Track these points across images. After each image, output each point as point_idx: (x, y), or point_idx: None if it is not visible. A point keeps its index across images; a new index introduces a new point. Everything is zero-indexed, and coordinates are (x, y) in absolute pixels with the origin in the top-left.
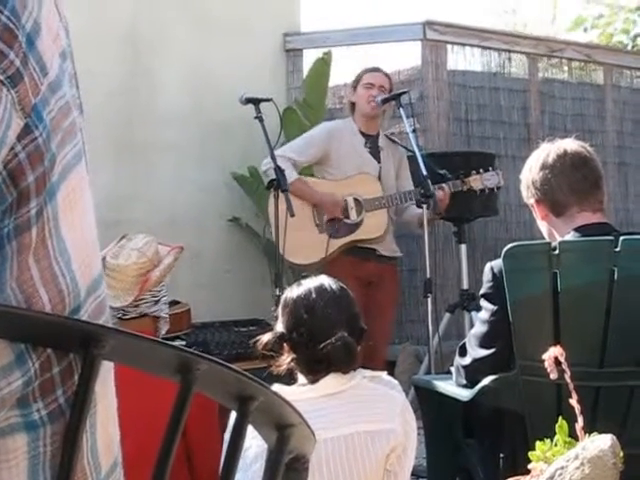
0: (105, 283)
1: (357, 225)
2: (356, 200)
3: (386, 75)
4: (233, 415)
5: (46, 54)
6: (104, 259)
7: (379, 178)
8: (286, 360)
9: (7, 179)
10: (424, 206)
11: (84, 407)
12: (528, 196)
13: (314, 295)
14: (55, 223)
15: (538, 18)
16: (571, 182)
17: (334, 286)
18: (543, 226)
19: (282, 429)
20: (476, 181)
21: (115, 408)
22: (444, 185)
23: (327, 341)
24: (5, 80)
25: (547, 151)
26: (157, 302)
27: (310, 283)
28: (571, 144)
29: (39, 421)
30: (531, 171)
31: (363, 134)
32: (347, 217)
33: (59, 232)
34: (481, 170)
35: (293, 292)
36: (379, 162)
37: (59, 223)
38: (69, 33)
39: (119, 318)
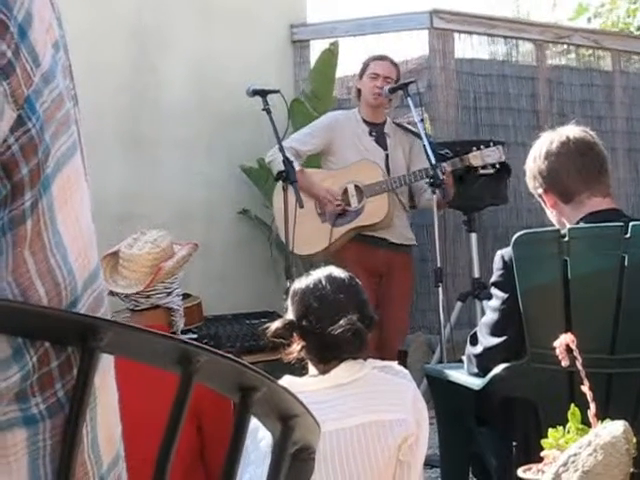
0: (119, 274)
1: (359, 212)
2: (356, 187)
3: (393, 64)
4: None
5: (39, 45)
6: (119, 250)
7: (387, 166)
8: (296, 349)
9: (0, 172)
10: (434, 195)
11: (83, 400)
12: (535, 186)
13: (323, 283)
14: (51, 215)
15: (539, 6)
16: (578, 168)
17: (342, 275)
18: (553, 215)
19: (286, 420)
20: (476, 158)
21: (116, 401)
22: (444, 164)
23: (337, 325)
24: None
25: (550, 139)
26: (169, 294)
27: (318, 273)
28: (573, 130)
29: (38, 415)
30: (536, 161)
31: (368, 123)
32: (348, 204)
33: (55, 224)
34: (482, 147)
35: (302, 282)
36: (385, 149)
37: (55, 215)
38: (62, 23)
39: (131, 310)
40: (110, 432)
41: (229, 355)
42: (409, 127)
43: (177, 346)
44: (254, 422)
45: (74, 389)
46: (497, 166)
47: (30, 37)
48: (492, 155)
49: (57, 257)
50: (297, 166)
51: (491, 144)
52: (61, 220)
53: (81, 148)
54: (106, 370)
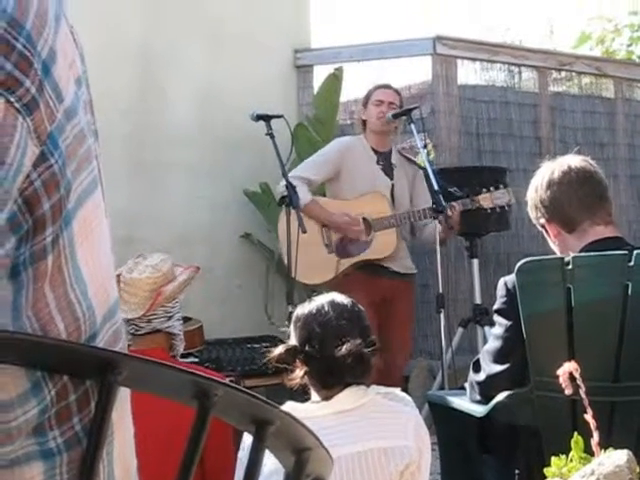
0: (120, 298)
1: (366, 244)
2: (365, 220)
3: (396, 91)
4: (247, 435)
5: (62, 81)
6: (120, 274)
7: (392, 195)
8: (299, 374)
9: (23, 207)
10: (437, 222)
11: (101, 435)
12: (537, 217)
13: (325, 308)
14: (71, 250)
15: (533, 34)
16: (580, 196)
17: (345, 300)
18: (556, 245)
19: (299, 453)
20: (486, 200)
21: (132, 435)
22: (454, 204)
23: (340, 350)
24: (21, 108)
25: (551, 169)
26: (170, 318)
27: (321, 299)
28: (573, 159)
29: (55, 449)
30: (537, 191)
31: (375, 151)
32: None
33: (75, 259)
34: (492, 189)
35: (305, 308)
36: (392, 179)
37: (75, 250)
38: (84, 59)
39: (132, 334)
40: (126, 466)
41: (246, 389)
42: (410, 157)
43: (195, 380)
44: None
45: (92, 423)
46: (506, 208)
47: (54, 73)
48: (502, 198)
49: (77, 292)
50: (309, 196)
51: (501, 186)
52: (81, 255)
53: (101, 183)
54: (123, 404)
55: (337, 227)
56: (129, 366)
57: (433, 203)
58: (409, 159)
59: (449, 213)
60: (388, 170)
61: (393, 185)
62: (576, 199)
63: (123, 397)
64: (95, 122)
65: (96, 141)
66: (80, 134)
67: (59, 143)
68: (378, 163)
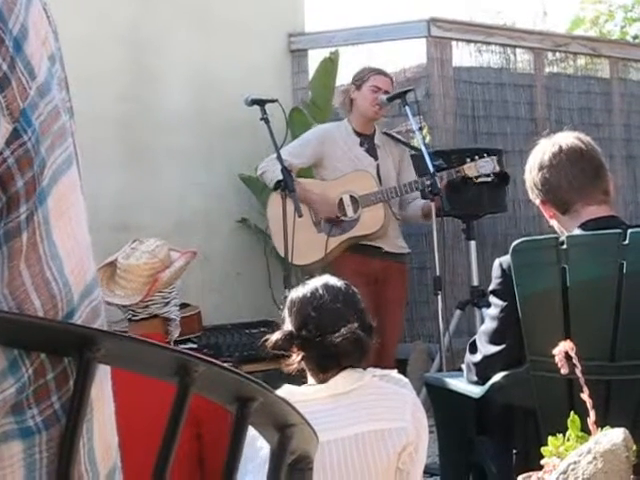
0: (116, 284)
1: (355, 221)
2: (352, 197)
3: (392, 80)
4: None
5: (34, 58)
6: (116, 260)
7: (378, 175)
8: (296, 359)
9: None
10: (432, 203)
11: (80, 412)
12: (534, 197)
13: (320, 292)
14: (46, 228)
15: (526, 16)
16: (570, 178)
17: (339, 283)
18: (554, 224)
19: (283, 429)
20: (470, 169)
21: (113, 412)
22: (438, 174)
23: (337, 334)
24: None
25: (543, 150)
26: (167, 304)
27: (315, 282)
28: (566, 138)
29: (34, 427)
30: (531, 172)
31: (358, 133)
32: (344, 214)
33: (50, 237)
34: (476, 157)
35: (298, 292)
36: (376, 159)
37: (50, 228)
38: (58, 36)
39: (129, 319)
40: (107, 443)
41: (226, 365)
42: (398, 137)
43: (174, 357)
44: (253, 431)
45: (71, 401)
46: (492, 176)
47: (26, 50)
48: (486, 166)
49: (53, 269)
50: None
51: (485, 155)
52: (57, 232)
53: (77, 160)
54: (103, 381)
55: (309, 204)
56: (108, 343)
57: (428, 186)
58: (397, 139)
59: (439, 185)
60: (372, 151)
61: (378, 165)
62: (566, 182)
63: (102, 374)
64: (70, 99)
65: (71, 118)
66: (54, 111)
67: (32, 120)
68: (362, 145)
